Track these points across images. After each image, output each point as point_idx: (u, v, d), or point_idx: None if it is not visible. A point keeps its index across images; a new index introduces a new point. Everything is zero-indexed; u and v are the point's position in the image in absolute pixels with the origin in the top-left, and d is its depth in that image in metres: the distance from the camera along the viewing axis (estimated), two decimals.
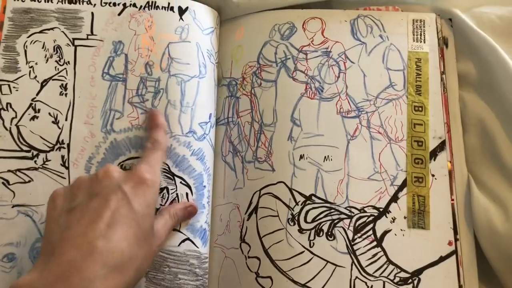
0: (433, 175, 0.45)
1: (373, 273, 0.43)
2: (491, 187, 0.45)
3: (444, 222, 0.44)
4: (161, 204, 0.46)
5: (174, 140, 0.47)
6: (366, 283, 0.43)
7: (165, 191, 0.46)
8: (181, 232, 0.46)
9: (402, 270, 0.43)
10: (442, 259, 0.43)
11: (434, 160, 0.46)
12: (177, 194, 0.47)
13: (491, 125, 0.47)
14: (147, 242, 0.38)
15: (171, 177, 0.47)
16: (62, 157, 0.47)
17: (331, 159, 0.47)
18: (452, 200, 0.45)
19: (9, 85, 0.47)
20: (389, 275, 0.43)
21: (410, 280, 0.43)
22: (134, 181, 0.38)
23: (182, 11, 0.51)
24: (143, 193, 0.38)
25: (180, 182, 0.47)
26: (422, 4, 0.52)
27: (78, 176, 0.41)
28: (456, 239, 0.44)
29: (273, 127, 0.49)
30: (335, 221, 0.45)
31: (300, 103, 0.49)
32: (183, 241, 0.45)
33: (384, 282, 0.43)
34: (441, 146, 0.46)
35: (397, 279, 0.43)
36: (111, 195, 0.37)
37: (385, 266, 0.44)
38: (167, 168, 0.47)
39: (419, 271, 0.43)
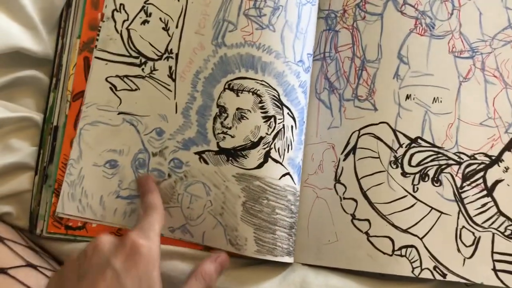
0: None
1: (482, 223, 0.41)
2: None
3: None
4: (266, 133, 0.44)
5: (287, 66, 0.44)
6: (473, 233, 0.41)
7: (272, 120, 0.44)
8: (283, 166, 0.43)
9: None
10: None
11: None
12: (283, 125, 0.44)
13: None
14: None
15: (280, 106, 0.44)
16: (170, 67, 0.45)
17: (441, 101, 0.44)
18: None
19: None
20: (499, 227, 0.41)
21: None
22: (126, 252, 0.34)
23: None
24: (136, 265, 0.33)
25: (288, 113, 0.44)
26: None
27: (68, 256, 0.39)
28: None
29: (377, 63, 0.46)
30: (443, 167, 0.42)
31: (408, 40, 0.45)
32: (284, 175, 0.43)
33: (493, 234, 0.41)
34: None
35: (508, 232, 0.40)
36: (100, 275, 0.33)
37: (495, 217, 0.41)
38: (277, 96, 0.44)
39: None
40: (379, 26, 0.46)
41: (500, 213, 0.41)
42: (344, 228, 0.43)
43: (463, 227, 0.41)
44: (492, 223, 0.41)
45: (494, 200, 0.41)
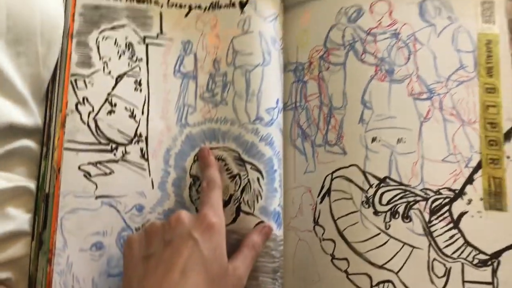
0: (508, 157, 0.45)
1: (451, 254, 0.44)
2: None
3: None
4: (234, 190, 0.47)
5: (242, 128, 0.49)
6: (444, 264, 0.43)
7: (237, 177, 0.48)
8: (255, 216, 0.47)
9: (481, 252, 0.43)
10: None
11: (509, 141, 0.45)
12: (248, 179, 0.48)
13: None
14: (218, 285, 0.40)
15: (242, 163, 0.48)
16: (141, 149, 0.49)
17: (405, 141, 0.47)
18: None
19: (84, 80, 0.48)
20: (467, 256, 0.43)
21: (490, 262, 0.43)
22: (203, 227, 0.41)
23: (243, 5, 0.52)
24: (210, 238, 0.41)
25: (251, 168, 0.48)
26: None
27: (152, 222, 0.43)
28: None
29: (343, 110, 0.49)
30: (411, 203, 0.45)
31: (370, 86, 0.49)
32: (258, 223, 0.47)
33: (462, 264, 0.43)
34: None
35: (475, 261, 0.43)
36: (183, 243, 0.40)
37: (463, 247, 0.44)
38: (238, 156, 0.48)
39: (498, 253, 0.43)
40: (342, 75, 0.50)
41: (468, 243, 0.44)
42: (325, 268, 0.46)
43: (434, 259, 0.44)
44: (461, 253, 0.44)
45: (460, 231, 0.44)
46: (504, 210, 0.44)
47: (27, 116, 0.46)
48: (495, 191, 0.44)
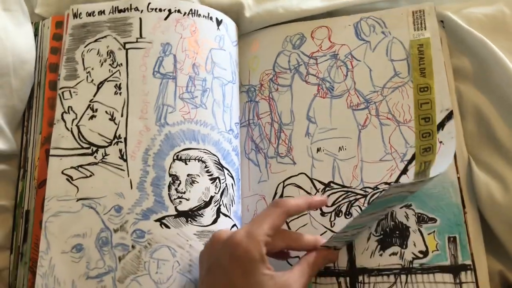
0: (440, 142, 0.48)
1: None
2: (490, 165, 0.49)
3: None
4: (215, 193, 0.51)
5: (221, 135, 0.53)
6: None
7: (217, 180, 0.51)
8: (231, 218, 0.51)
9: None
10: None
11: (442, 129, 0.49)
12: (226, 184, 0.52)
13: (487, 111, 0.51)
14: None
15: (221, 168, 0.52)
16: (120, 150, 0.50)
17: (345, 149, 0.52)
18: (458, 176, 0.48)
19: (69, 91, 0.52)
20: None
21: None
22: (229, 252, 0.40)
23: (218, 22, 0.57)
24: (239, 266, 0.40)
25: (227, 174, 0.52)
26: None
27: (216, 232, 0.43)
28: (464, 213, 0.47)
29: (291, 125, 0.54)
30: (352, 202, 0.49)
31: (313, 103, 0.54)
32: (233, 226, 0.51)
33: None
34: (449, 116, 0.49)
35: None
36: (213, 273, 0.41)
37: None
38: (217, 160, 0.52)
39: None
40: (289, 95, 0.56)
41: None
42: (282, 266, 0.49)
43: None
44: None
45: None
46: None
47: (4, 143, 0.51)
48: (424, 170, 0.48)
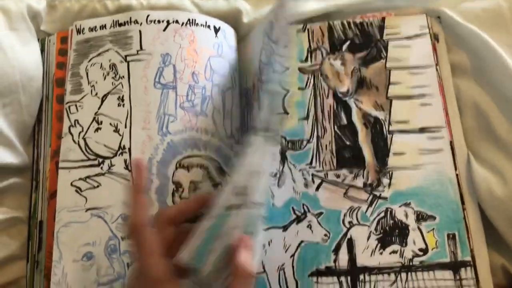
0: None
1: None
2: (489, 159, 0.50)
3: None
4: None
5: (221, 142, 0.54)
6: None
7: (219, 186, 0.51)
8: None
9: None
10: None
11: None
12: None
13: (485, 106, 0.52)
14: None
15: (223, 173, 0.52)
16: (125, 160, 0.52)
17: None
18: (457, 173, 0.49)
19: (75, 105, 0.54)
20: None
21: None
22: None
23: (216, 30, 0.58)
24: None
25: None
26: (412, 6, 0.58)
27: None
28: (463, 209, 0.48)
29: None
30: None
31: None
32: None
33: None
34: None
35: None
36: None
37: None
38: (219, 165, 0.52)
39: None
40: None
41: None
42: None
43: None
44: None
45: None
46: None
47: (16, 157, 0.53)
48: None
